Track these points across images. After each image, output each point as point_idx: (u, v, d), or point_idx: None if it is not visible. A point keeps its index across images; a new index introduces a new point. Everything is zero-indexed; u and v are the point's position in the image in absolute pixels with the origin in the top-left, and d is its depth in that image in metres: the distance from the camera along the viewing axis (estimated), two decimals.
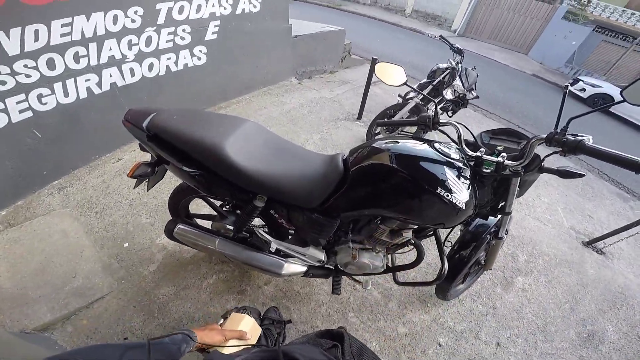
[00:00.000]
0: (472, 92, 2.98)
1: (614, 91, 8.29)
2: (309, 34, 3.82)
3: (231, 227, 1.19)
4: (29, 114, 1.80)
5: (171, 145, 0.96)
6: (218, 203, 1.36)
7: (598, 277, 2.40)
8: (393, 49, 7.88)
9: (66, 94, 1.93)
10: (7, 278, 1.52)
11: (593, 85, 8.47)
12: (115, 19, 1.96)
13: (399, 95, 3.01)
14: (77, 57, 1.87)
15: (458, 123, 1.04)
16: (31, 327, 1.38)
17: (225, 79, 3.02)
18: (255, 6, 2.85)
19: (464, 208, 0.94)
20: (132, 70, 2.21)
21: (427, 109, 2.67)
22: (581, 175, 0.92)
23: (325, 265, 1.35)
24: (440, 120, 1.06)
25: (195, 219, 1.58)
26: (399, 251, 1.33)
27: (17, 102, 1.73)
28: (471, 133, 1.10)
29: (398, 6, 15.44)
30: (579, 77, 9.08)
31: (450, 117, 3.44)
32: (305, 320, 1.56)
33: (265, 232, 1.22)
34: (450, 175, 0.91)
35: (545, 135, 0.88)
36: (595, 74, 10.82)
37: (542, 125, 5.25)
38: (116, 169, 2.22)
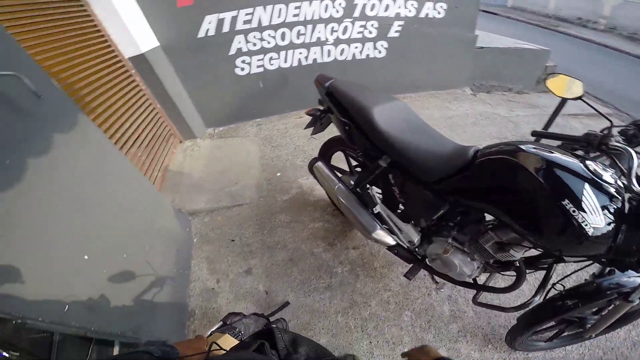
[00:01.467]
0: None
1: None
2: (498, 47, 3.52)
3: (353, 183, 1.45)
4: (261, 69, 2.64)
5: (338, 101, 1.31)
6: (354, 163, 1.66)
7: None
8: (618, 82, 5.82)
9: (286, 61, 2.69)
10: (200, 170, 2.28)
11: None
12: (326, 8, 2.54)
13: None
14: (298, 34, 2.58)
15: (634, 150, 0.80)
16: (186, 209, 1.94)
17: (398, 75, 3.25)
18: (439, 12, 2.95)
19: (591, 235, 0.76)
20: (329, 52, 2.80)
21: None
22: None
23: (414, 250, 1.35)
24: (612, 143, 0.84)
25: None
26: (497, 272, 1.17)
27: (258, 60, 2.57)
28: None
29: None
30: None
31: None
32: (364, 294, 1.58)
33: (378, 193, 1.38)
34: (588, 194, 0.77)
35: None
36: None
37: None
38: (296, 122, 2.93)
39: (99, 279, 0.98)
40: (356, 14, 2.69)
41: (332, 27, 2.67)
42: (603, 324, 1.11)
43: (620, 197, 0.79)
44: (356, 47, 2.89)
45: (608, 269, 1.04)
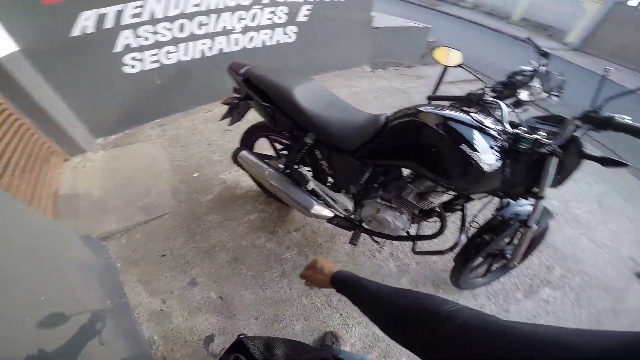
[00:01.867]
0: (555, 97, 2.71)
1: None
2: (390, 27, 3.92)
3: (282, 166, 1.50)
4: (157, 65, 2.37)
5: (257, 87, 1.34)
6: (279, 147, 1.68)
7: (637, 307, 2.04)
8: (485, 53, 7.19)
9: (186, 53, 2.47)
10: (98, 187, 1.95)
11: None
12: None
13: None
14: (200, 25, 2.39)
15: (503, 102, 1.07)
16: (96, 233, 1.68)
17: (307, 58, 3.35)
18: None
19: (486, 171, 0.99)
20: (236, 41, 2.68)
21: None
22: (624, 165, 0.89)
23: (351, 217, 1.49)
24: (487, 98, 1.10)
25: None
26: (424, 220, 1.39)
27: (152, 55, 2.30)
28: (517, 115, 1.13)
29: (503, 12, 13.99)
30: None
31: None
32: None
33: (307, 171, 1.46)
34: (478, 138, 0.98)
35: (581, 114, 0.90)
36: None
37: None
38: (205, 117, 2.74)
39: (27, 327, 0.84)
40: (265, 0, 2.63)
41: (240, 15, 2.55)
42: (518, 252, 1.33)
43: (500, 138, 1.01)
44: (266, 34, 2.84)
45: (506, 201, 1.32)
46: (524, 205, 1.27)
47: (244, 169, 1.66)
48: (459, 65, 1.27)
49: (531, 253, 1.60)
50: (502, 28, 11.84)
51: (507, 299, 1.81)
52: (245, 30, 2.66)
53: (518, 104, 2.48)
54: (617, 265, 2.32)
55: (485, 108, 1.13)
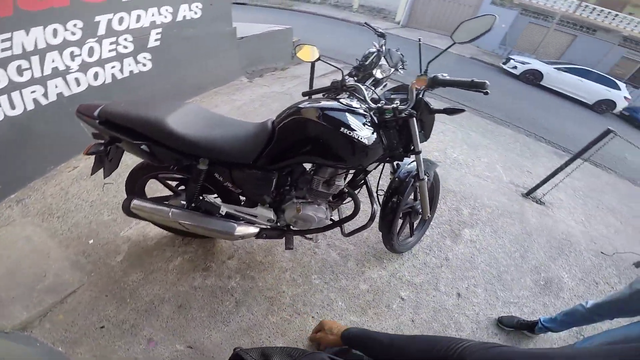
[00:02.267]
0: (401, 70, 3.35)
1: (541, 66, 9.35)
2: (256, 34, 4.05)
3: (185, 202, 1.39)
4: None
5: (120, 126, 1.15)
6: (174, 184, 1.55)
7: (541, 225, 2.57)
8: (341, 42, 8.26)
9: (12, 106, 1.98)
10: None
11: (523, 63, 9.48)
12: (55, 33, 2.04)
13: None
14: (20, 70, 1.94)
15: (362, 84, 1.28)
16: (10, 327, 1.41)
17: (174, 82, 3.13)
18: (196, 12, 3.01)
19: (369, 144, 1.14)
20: (77, 80, 2.29)
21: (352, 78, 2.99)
22: (462, 110, 1.18)
23: (277, 225, 1.49)
24: (348, 84, 1.30)
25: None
26: (341, 204, 1.51)
27: None
28: (374, 92, 1.36)
29: (346, 2, 15.99)
30: (510, 57, 10.11)
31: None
32: (271, 287, 1.64)
33: (215, 198, 1.40)
34: (351, 119, 1.12)
35: (418, 78, 1.17)
36: (526, 52, 12.03)
37: (482, 100, 5.88)
38: (73, 176, 2.28)
39: None
40: (101, 31, 2.28)
41: (72, 52, 2.16)
42: (424, 204, 1.59)
43: (369, 115, 1.18)
44: (113, 67, 2.50)
45: (396, 164, 1.52)
46: (411, 164, 1.49)
47: (143, 219, 1.50)
48: (318, 59, 1.42)
49: (437, 202, 1.91)
50: (349, 17, 13.58)
51: (441, 248, 2.06)
52: (85, 67, 2.30)
53: (378, 82, 2.93)
54: (504, 191, 2.95)
55: (350, 92, 1.32)
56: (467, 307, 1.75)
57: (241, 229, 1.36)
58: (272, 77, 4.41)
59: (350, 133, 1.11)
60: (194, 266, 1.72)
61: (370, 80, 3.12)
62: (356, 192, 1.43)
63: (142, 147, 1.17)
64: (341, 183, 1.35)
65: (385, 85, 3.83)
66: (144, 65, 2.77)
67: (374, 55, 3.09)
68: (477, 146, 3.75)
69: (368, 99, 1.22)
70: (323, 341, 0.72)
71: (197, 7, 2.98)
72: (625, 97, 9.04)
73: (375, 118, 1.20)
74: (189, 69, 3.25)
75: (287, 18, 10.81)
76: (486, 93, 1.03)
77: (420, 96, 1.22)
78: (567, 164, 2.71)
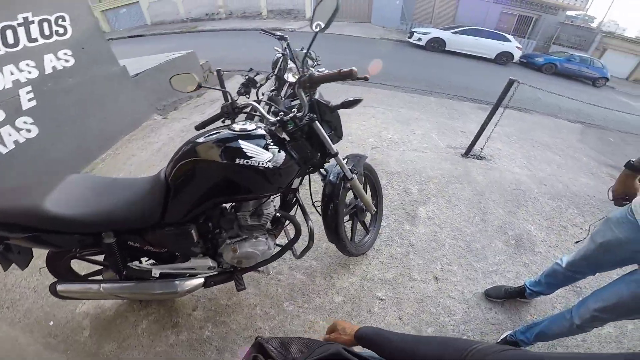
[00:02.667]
0: (318, 68, 3.33)
1: (441, 33, 10.28)
2: (153, 67, 3.72)
3: (114, 272, 1.24)
4: None
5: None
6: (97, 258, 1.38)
7: (489, 181, 2.58)
8: (258, 52, 8.04)
9: None
10: None
11: (424, 33, 10.31)
12: None
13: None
14: None
15: (255, 101, 1.16)
16: None
17: (74, 142, 2.74)
18: (67, 60, 2.64)
19: (278, 166, 1.04)
20: None
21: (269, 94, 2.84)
22: (359, 100, 1.13)
23: (222, 269, 1.37)
24: (240, 104, 1.17)
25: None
26: (282, 229, 1.39)
27: None
28: (269, 104, 1.25)
29: (254, 11, 15.84)
30: (412, 30, 10.92)
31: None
32: (246, 327, 1.55)
33: (146, 261, 1.27)
34: (247, 145, 1.00)
35: (295, 80, 1.10)
36: (425, 23, 13.12)
37: (404, 77, 6.21)
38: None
39: None
40: None
41: None
42: (365, 200, 1.53)
43: (270, 132, 1.06)
44: None
45: (322, 170, 1.42)
46: (337, 166, 1.41)
47: (77, 299, 1.44)
48: (199, 87, 1.21)
49: (381, 191, 1.84)
50: (261, 25, 13.41)
51: (402, 236, 1.98)
52: None
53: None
54: (445, 156, 2.97)
55: (244, 112, 1.20)
56: (449, 288, 1.70)
57: (184, 284, 1.27)
58: (188, 107, 4.10)
59: (248, 162, 1.00)
60: (162, 325, 1.60)
61: (286, 87, 3.04)
62: (292, 212, 1.35)
63: (34, 239, 1.04)
64: (271, 210, 1.25)
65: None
66: (28, 131, 2.37)
67: (281, 60, 3.02)
68: (408, 120, 3.90)
69: (267, 115, 1.12)
70: (337, 342, 0.71)
71: (65, 54, 2.62)
72: (517, 47, 10.42)
73: (280, 133, 1.11)
74: (86, 122, 2.87)
75: (194, 41, 10.29)
76: (366, 79, 1.00)
77: (314, 97, 1.16)
78: (490, 116, 2.85)
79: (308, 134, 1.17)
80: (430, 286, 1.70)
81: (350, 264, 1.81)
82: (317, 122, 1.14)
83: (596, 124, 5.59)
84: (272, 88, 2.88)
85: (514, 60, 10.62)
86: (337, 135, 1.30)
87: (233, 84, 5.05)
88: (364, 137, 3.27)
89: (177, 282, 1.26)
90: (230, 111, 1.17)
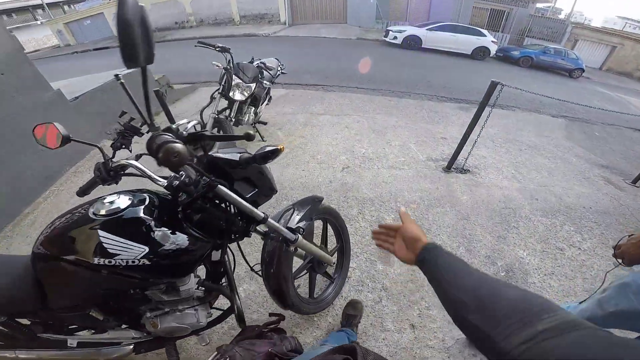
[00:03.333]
0: (273, 80, 3.05)
1: (416, 31, 10.16)
2: (95, 88, 3.29)
3: None
4: None
5: None
6: None
7: (475, 200, 2.31)
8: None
9: None
10: None
11: (400, 31, 10.18)
12: None
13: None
14: None
15: (136, 159, 0.81)
16: None
17: (8, 185, 2.36)
18: None
19: (159, 255, 0.80)
20: None
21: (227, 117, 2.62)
22: (278, 151, 0.82)
23: (149, 337, 1.12)
24: (118, 163, 0.81)
25: None
26: (217, 297, 1.16)
27: None
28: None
29: (226, 18, 15.39)
30: (388, 29, 10.78)
31: (267, 104, 3.36)
32: None
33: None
34: (107, 237, 0.75)
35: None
36: (399, 21, 13.05)
37: (380, 79, 5.99)
38: None
39: None
40: None
41: None
42: (320, 255, 1.28)
43: (159, 204, 0.84)
44: None
45: (261, 236, 1.16)
46: (270, 225, 1.12)
47: None
48: (68, 141, 0.81)
49: (346, 230, 1.56)
50: (234, 31, 13.04)
51: (374, 278, 1.72)
52: None
53: (252, 103, 2.50)
54: (424, 173, 2.68)
55: (124, 173, 0.84)
56: (428, 336, 1.49)
57: (110, 352, 1.09)
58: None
59: (110, 262, 0.75)
60: None
61: (234, 108, 2.62)
62: (222, 282, 1.12)
63: None
64: (191, 284, 0.99)
65: (270, 98, 3.46)
66: None
67: (225, 76, 2.57)
68: (385, 130, 3.63)
69: (157, 179, 0.79)
70: (396, 253, 0.65)
71: None
72: (492, 41, 10.43)
73: (172, 210, 0.86)
74: (20, 160, 2.45)
75: (162, 51, 9.77)
76: (252, 139, 0.79)
77: (212, 153, 0.90)
78: (473, 123, 2.57)
79: (220, 199, 0.92)
80: (405, 336, 1.49)
81: (315, 316, 1.56)
82: (221, 186, 0.83)
83: (579, 117, 5.50)
84: (218, 109, 2.57)
85: (491, 55, 10.63)
86: (264, 194, 1.02)
87: (196, 98, 4.69)
88: (335, 155, 2.97)
89: (102, 350, 1.08)
90: (104, 175, 0.80)
